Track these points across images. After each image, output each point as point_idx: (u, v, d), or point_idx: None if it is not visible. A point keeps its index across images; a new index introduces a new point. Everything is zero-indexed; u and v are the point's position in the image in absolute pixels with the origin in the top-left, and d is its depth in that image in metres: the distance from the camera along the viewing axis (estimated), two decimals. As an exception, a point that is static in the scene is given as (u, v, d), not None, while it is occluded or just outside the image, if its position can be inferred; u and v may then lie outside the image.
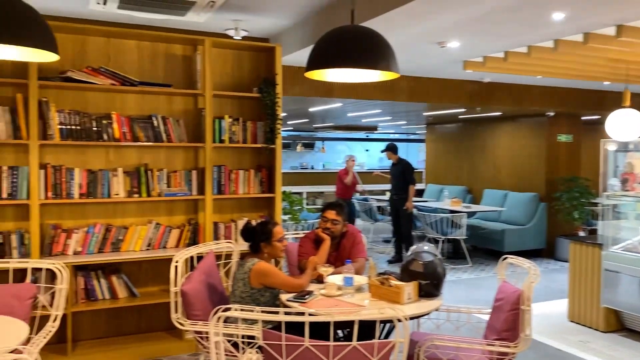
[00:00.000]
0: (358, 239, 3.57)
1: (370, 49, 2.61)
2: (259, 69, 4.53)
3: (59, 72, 3.76)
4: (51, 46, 2.21)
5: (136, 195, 4.03)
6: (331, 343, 2.01)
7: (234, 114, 4.39)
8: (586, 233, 8.64)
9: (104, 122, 3.88)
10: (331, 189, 12.96)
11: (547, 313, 5.34)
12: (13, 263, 3.07)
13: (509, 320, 2.78)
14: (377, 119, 11.17)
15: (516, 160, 8.89)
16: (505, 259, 3.19)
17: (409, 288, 2.89)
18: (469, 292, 6.17)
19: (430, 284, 2.97)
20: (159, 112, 4.16)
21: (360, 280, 3.18)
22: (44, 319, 2.98)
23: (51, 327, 2.80)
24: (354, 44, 2.59)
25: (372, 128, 13.75)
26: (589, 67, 5.32)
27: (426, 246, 3.16)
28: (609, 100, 7.83)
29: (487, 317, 3.13)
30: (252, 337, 2.19)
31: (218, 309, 2.09)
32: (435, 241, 7.86)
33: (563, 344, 4.49)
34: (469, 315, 3.27)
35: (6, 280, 3.11)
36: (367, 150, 19.65)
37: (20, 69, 3.67)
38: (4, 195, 3.66)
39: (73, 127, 3.79)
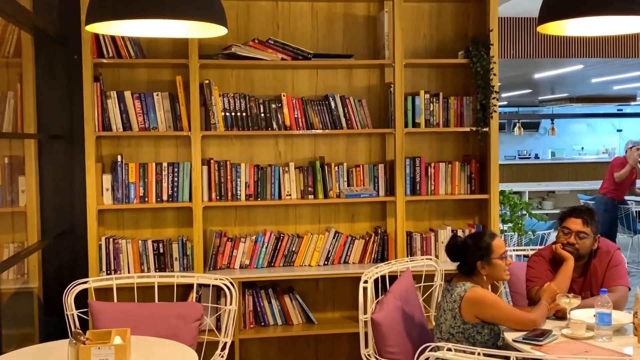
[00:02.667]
0: (616, 260, 3.31)
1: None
2: (466, 26, 4.47)
3: (221, 48, 4.14)
4: (219, 17, 2.43)
5: (311, 197, 4.26)
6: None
7: (432, 89, 4.40)
8: None
9: (273, 106, 4.17)
10: (564, 186, 12.31)
11: None
12: (178, 277, 3.46)
13: None
14: (636, 85, 10.27)
15: None
16: None
17: (700, 333, 2.61)
18: None
19: None
20: (337, 91, 4.33)
21: (621, 318, 2.95)
22: (209, 346, 3.31)
23: (219, 357, 3.09)
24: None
25: (629, 98, 12.68)
26: None
27: None
28: None
29: None
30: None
31: (426, 347, 2.11)
32: None
33: None
34: None
35: (169, 297, 3.52)
36: (619, 131, 18.19)
37: (179, 47, 4.11)
38: (165, 197, 4.14)
39: (238, 113, 4.14)
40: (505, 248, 3.11)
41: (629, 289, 3.25)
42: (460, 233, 4.28)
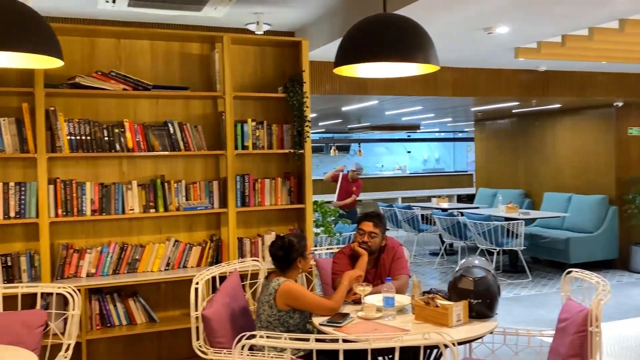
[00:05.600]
0: (399, 254, 3.52)
1: (405, 40, 2.59)
2: (284, 67, 4.55)
3: (66, 78, 3.87)
4: (55, 51, 2.26)
5: (152, 210, 4.09)
6: (369, 373, 1.98)
7: (258, 117, 4.42)
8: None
9: (116, 130, 3.96)
10: (369, 196, 12.94)
11: (621, 334, 5.16)
12: (22, 288, 3.15)
13: (575, 344, 2.69)
14: (419, 117, 11.08)
15: (580, 158, 8.65)
16: (569, 272, 3.10)
17: (458, 309, 2.83)
18: (530, 311, 6.02)
19: (482, 304, 2.90)
20: (175, 117, 4.22)
21: (403, 300, 3.14)
22: (56, 349, 3.04)
23: (63, 358, 2.86)
24: (386, 35, 2.57)
25: (414, 127, 13.64)
26: (662, 48, 5.14)
27: (477, 260, 3.09)
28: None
29: (550, 340, 3.04)
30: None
31: (242, 336, 2.09)
32: (489, 253, 7.71)
33: (642, 370, 4.33)
34: (529, 338, 3.18)
35: (15, 307, 3.20)
36: (409, 152, 19.51)
37: (26, 76, 3.78)
38: (12, 213, 3.77)
39: (83, 137, 3.88)
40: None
41: (410, 277, 3.46)
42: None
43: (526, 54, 5.41)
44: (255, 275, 3.67)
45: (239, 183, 4.31)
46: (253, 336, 2.03)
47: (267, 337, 1.99)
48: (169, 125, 4.11)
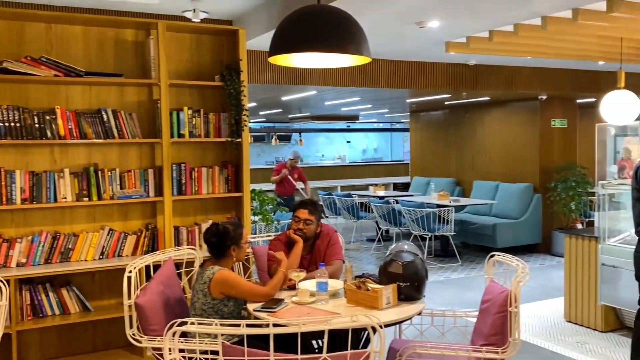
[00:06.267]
0: (334, 240, 3.55)
1: (338, 31, 2.60)
2: (221, 55, 4.48)
3: (-7, 63, 3.67)
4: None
5: (86, 199, 3.96)
6: (299, 356, 2.00)
7: (194, 106, 4.34)
8: (584, 225, 8.83)
9: (47, 117, 3.80)
10: (311, 184, 12.99)
11: (543, 313, 5.41)
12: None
13: (496, 324, 2.80)
14: (358, 108, 11.18)
15: (507, 148, 8.98)
16: (492, 256, 3.22)
17: (388, 292, 2.90)
18: (459, 293, 6.23)
19: (410, 286, 2.97)
20: (109, 105, 4.08)
21: (336, 285, 3.17)
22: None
23: (-10, 349, 2.74)
24: (320, 26, 2.57)
25: (353, 117, 13.77)
26: (580, 45, 5.38)
27: (406, 245, 3.16)
28: (605, 81, 7.95)
29: (474, 320, 3.15)
30: (217, 352, 2.16)
31: (173, 323, 2.06)
32: (422, 239, 7.91)
33: (559, 346, 4.56)
34: (455, 319, 3.29)
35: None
36: (348, 142, 19.68)
37: (-51, 60, 3.57)
38: None
39: (12, 124, 3.70)
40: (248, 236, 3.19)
41: (343, 262, 3.50)
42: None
43: (456, 48, 5.54)
44: (191, 264, 3.62)
45: (175, 171, 4.23)
46: (184, 323, 2.01)
47: (199, 323, 1.97)
48: (103, 112, 3.97)
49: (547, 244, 8.44)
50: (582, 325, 4.99)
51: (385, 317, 2.72)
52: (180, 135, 4.22)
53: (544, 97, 8.29)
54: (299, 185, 8.52)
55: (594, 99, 9.36)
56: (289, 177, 8.37)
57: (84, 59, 4.04)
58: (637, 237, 3.64)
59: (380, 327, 2.03)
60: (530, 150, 8.59)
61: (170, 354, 2.09)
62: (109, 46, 4.14)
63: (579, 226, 8.72)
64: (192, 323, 1.98)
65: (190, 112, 4.25)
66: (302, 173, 8.78)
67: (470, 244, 8.87)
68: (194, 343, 2.36)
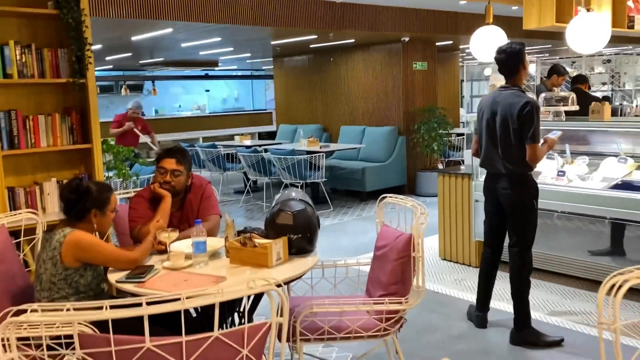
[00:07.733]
0: (208, 192, 3.08)
1: None
2: (54, -24, 3.69)
3: None
4: None
5: None
6: (184, 338, 1.58)
7: (23, 40, 3.56)
8: (444, 165, 9.17)
9: None
10: (168, 137, 12.15)
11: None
12: None
13: (396, 271, 2.58)
14: (217, 51, 10.46)
15: (372, 92, 8.94)
16: (383, 198, 2.99)
17: (278, 246, 2.54)
18: (335, 240, 6.09)
19: (302, 238, 2.64)
20: None
21: (215, 243, 2.74)
22: None
23: None
24: None
25: (212, 63, 12.95)
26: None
27: (294, 192, 2.81)
28: (464, 24, 8.11)
29: (367, 269, 2.93)
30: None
31: (6, 312, 1.53)
32: (294, 187, 7.65)
33: (437, 284, 4.57)
34: (347, 268, 3.05)
35: None
36: (207, 91, 18.74)
37: None
38: None
39: None
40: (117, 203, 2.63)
41: (220, 217, 3.07)
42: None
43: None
44: (32, 231, 2.97)
45: (3, 120, 3.48)
46: (24, 311, 1.48)
47: (43, 310, 1.46)
48: None
49: (412, 184, 8.62)
50: (457, 262, 5.07)
51: (279, 275, 2.35)
52: (6, 76, 3.46)
53: (407, 39, 8.28)
54: (146, 138, 7.61)
55: (451, 42, 9.62)
56: (135, 129, 7.38)
57: None
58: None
59: (283, 291, 1.67)
60: (393, 93, 8.61)
61: (6, 352, 1.56)
62: None
63: (440, 166, 9.04)
64: (35, 310, 1.45)
65: (18, 47, 3.47)
66: (147, 124, 7.85)
67: (339, 190, 8.82)
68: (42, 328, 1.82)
